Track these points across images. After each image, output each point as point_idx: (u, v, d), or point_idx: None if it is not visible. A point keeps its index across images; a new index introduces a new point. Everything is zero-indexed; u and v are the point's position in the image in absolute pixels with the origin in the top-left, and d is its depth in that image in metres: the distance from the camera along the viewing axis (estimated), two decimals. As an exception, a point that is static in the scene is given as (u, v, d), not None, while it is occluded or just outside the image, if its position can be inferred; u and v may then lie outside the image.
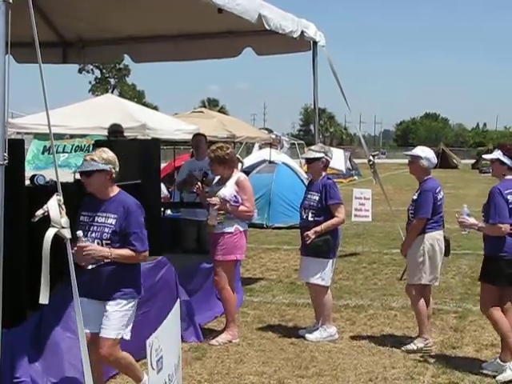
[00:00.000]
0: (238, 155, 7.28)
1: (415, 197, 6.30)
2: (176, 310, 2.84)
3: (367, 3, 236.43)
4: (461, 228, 5.84)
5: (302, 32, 7.92)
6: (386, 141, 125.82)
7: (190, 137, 9.57)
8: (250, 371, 5.71)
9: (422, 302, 6.35)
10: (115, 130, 9.04)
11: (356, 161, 37.60)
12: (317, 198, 6.63)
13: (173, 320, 2.81)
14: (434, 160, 6.39)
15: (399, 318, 7.47)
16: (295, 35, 7.71)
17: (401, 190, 24.37)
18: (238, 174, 6.65)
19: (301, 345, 6.47)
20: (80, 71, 68.84)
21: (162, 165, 14.25)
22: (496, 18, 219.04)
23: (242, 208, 6.51)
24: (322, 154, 6.70)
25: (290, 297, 8.45)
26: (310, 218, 6.63)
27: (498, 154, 5.73)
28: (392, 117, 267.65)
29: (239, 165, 6.99)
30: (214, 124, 15.12)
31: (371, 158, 9.33)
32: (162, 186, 14.13)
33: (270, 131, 25.32)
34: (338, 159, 32.80)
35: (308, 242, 6.53)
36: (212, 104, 76.78)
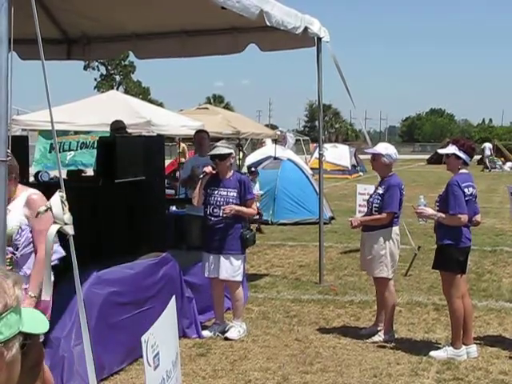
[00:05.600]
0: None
1: (380, 191, 6.47)
2: (172, 305, 2.83)
3: (371, 1, 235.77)
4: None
5: (306, 28, 7.91)
6: (391, 137, 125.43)
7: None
8: (254, 367, 5.72)
9: (393, 294, 6.59)
10: (118, 127, 9.07)
11: (361, 157, 37.48)
12: (234, 194, 6.49)
13: (169, 316, 2.79)
14: (396, 156, 6.57)
15: (404, 313, 7.45)
16: (297, 31, 7.69)
17: (406, 185, 24.29)
18: (27, 191, 4.36)
19: (305, 341, 6.47)
20: (85, 68, 68.89)
21: (167, 161, 14.27)
22: (501, 13, 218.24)
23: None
24: (231, 150, 6.63)
25: (294, 293, 8.45)
26: (225, 215, 6.45)
27: (453, 149, 5.97)
28: (397, 113, 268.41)
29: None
30: (219, 120, 15.13)
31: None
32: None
33: (275, 127, 25.34)
34: (344, 155, 32.82)
35: (224, 215, 6.40)
36: (217, 100, 76.74)
